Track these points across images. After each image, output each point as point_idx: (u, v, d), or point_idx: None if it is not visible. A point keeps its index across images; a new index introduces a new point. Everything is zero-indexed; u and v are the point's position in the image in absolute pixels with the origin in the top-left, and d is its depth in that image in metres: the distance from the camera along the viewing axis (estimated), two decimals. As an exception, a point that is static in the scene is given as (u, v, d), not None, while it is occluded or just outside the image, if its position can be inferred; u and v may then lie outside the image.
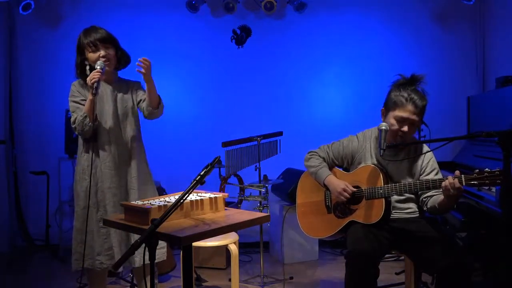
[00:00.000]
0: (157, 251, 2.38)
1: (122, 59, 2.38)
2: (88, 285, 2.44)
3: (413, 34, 4.51)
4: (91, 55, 2.28)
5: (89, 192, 2.28)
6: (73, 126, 2.28)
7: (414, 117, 2.15)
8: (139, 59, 2.20)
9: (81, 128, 2.24)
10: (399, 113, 2.16)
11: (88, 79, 2.18)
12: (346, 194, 2.27)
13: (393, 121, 2.18)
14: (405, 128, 2.16)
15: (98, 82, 2.16)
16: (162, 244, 2.46)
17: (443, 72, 4.48)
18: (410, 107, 2.14)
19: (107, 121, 2.33)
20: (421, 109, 2.17)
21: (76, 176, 2.37)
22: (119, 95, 2.38)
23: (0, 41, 4.30)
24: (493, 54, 4.26)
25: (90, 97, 2.20)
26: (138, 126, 2.47)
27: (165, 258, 2.48)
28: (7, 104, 4.38)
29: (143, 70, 2.19)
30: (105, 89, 2.36)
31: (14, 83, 4.44)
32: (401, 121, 2.17)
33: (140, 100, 2.42)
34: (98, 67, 2.21)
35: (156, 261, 2.36)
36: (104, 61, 2.26)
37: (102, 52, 2.27)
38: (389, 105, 2.22)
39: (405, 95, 2.16)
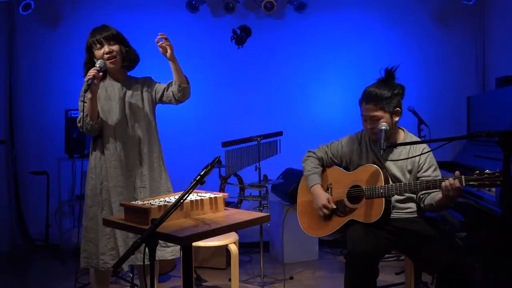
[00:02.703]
0: (171, 248, 2.36)
1: (129, 56, 2.36)
2: (91, 285, 2.43)
3: (413, 34, 4.50)
4: (97, 52, 2.28)
5: (99, 191, 2.30)
6: (78, 125, 2.28)
7: (370, 113, 2.22)
8: (158, 37, 2.21)
9: (84, 127, 2.25)
10: (362, 111, 2.28)
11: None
12: (325, 211, 2.32)
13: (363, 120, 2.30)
14: (368, 125, 2.25)
15: (93, 79, 2.14)
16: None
17: (443, 72, 4.48)
18: (364, 104, 2.26)
19: (114, 120, 2.32)
20: (374, 105, 2.20)
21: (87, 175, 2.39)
22: (128, 93, 2.36)
23: (0, 41, 4.30)
24: (493, 54, 4.26)
25: (89, 95, 2.20)
26: (151, 123, 2.40)
27: (178, 256, 2.41)
28: (7, 104, 4.38)
29: (164, 44, 2.19)
30: (113, 87, 2.35)
31: (14, 83, 4.44)
32: (364, 119, 2.28)
33: (163, 89, 2.39)
34: (97, 65, 2.21)
35: (170, 258, 2.36)
36: (108, 58, 2.26)
37: (106, 49, 2.27)
38: None
39: (363, 93, 2.27)
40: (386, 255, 3.04)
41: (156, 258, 2.32)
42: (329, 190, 2.41)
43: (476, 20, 4.41)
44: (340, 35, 4.55)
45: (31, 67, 4.46)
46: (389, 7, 4.51)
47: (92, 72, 2.15)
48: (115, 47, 2.30)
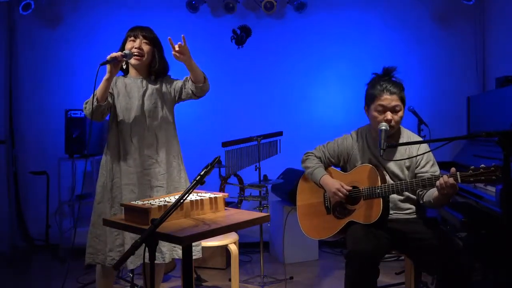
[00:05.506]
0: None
1: (156, 62, 2.35)
2: (96, 281, 2.41)
3: (413, 34, 4.50)
4: (128, 44, 2.31)
5: (110, 188, 2.29)
6: (83, 106, 2.24)
7: (393, 103, 2.22)
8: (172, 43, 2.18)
9: (89, 107, 2.20)
10: (378, 103, 2.24)
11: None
12: (340, 194, 2.27)
13: (375, 113, 2.25)
14: (388, 116, 2.21)
15: (114, 59, 2.13)
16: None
17: (443, 72, 4.48)
18: (386, 95, 2.22)
19: (131, 117, 2.30)
20: (398, 95, 2.23)
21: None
22: (148, 91, 2.35)
23: (0, 41, 4.30)
24: (493, 54, 4.26)
25: (106, 76, 2.18)
26: (169, 121, 2.39)
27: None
28: (7, 104, 4.38)
29: (177, 48, 2.16)
30: (134, 85, 2.34)
31: (14, 83, 4.44)
32: (381, 110, 2.23)
33: (181, 87, 2.37)
34: (125, 51, 2.22)
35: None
36: (136, 53, 2.27)
37: (137, 43, 2.29)
38: (368, 100, 2.31)
39: (379, 86, 2.25)
40: (386, 255, 3.05)
41: (171, 258, 2.31)
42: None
43: (476, 20, 4.42)
44: (340, 35, 4.55)
45: (31, 67, 4.46)
46: (389, 8, 4.51)
47: (116, 53, 2.16)
48: (147, 47, 2.32)
